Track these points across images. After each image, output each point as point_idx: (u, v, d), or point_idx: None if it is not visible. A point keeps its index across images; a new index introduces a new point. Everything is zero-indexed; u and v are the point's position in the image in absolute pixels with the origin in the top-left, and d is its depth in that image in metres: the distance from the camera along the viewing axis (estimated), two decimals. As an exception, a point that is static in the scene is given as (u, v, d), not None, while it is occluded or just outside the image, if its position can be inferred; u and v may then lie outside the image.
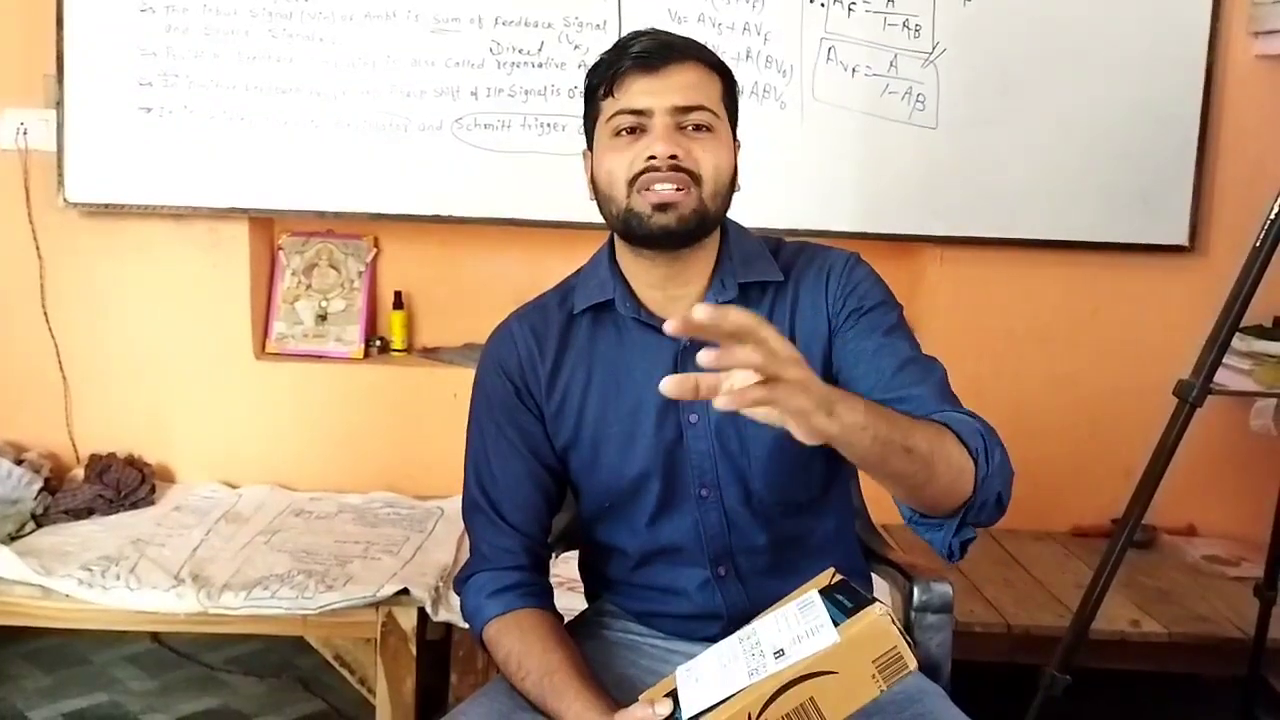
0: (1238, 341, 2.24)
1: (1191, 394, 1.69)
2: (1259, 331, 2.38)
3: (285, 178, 2.58)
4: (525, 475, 1.34)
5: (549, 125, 2.55)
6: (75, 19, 2.51)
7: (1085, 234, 2.60)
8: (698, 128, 1.24)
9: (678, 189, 1.22)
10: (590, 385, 1.33)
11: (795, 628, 1.04)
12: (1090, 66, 2.56)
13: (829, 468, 1.35)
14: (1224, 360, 1.74)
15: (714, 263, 1.31)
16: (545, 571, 1.36)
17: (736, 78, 1.33)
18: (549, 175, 2.52)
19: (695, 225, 1.24)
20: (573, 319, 1.35)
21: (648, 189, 1.23)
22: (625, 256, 1.32)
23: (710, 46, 1.31)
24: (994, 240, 2.62)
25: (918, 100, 2.56)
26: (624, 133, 1.24)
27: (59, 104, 2.54)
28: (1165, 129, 2.57)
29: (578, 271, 1.39)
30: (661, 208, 1.22)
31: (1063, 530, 2.66)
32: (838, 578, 1.10)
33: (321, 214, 2.64)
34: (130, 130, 2.55)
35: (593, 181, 1.30)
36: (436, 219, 2.61)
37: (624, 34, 1.29)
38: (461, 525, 1.41)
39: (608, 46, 1.30)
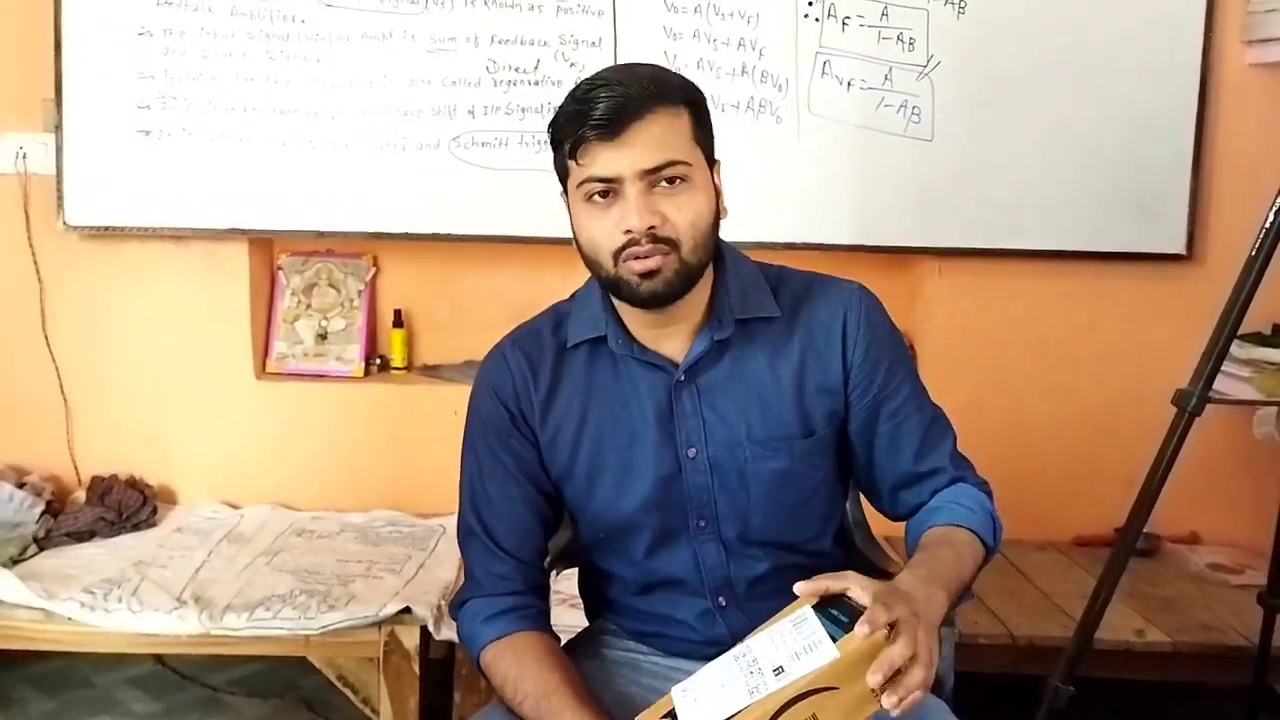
0: (1236, 349, 2.25)
1: (1190, 403, 1.68)
2: (1257, 339, 2.37)
3: (284, 198, 2.59)
4: (520, 500, 1.33)
5: (546, 142, 2.54)
6: (73, 43, 2.52)
7: (1082, 243, 2.61)
8: (671, 180, 1.20)
9: (662, 254, 1.20)
10: (586, 418, 1.31)
11: (792, 644, 1.04)
12: (1085, 76, 2.56)
13: (829, 502, 1.36)
14: (1223, 368, 1.74)
15: (709, 298, 1.29)
16: (541, 594, 1.35)
17: (708, 95, 1.28)
18: (547, 192, 2.43)
19: (681, 285, 1.22)
20: (566, 350, 1.33)
21: (631, 260, 1.20)
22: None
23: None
24: (991, 251, 2.62)
25: (913, 113, 2.56)
26: (597, 197, 1.22)
27: (58, 128, 2.54)
28: (1160, 138, 2.57)
29: (572, 296, 1.37)
30: (648, 275, 1.20)
31: (1065, 540, 2.65)
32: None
33: (320, 234, 2.65)
34: (129, 153, 2.56)
35: (574, 231, 1.27)
36: (435, 237, 2.62)
37: (580, 84, 1.23)
38: (464, 543, 1.40)
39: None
